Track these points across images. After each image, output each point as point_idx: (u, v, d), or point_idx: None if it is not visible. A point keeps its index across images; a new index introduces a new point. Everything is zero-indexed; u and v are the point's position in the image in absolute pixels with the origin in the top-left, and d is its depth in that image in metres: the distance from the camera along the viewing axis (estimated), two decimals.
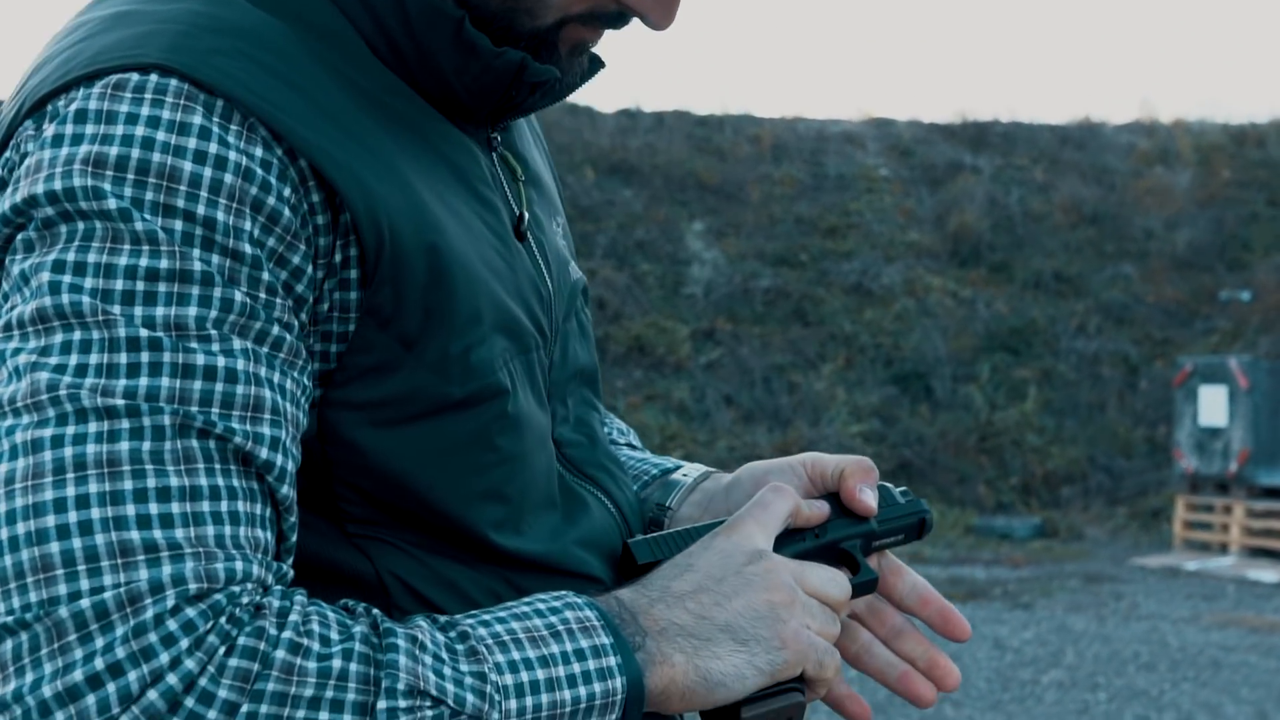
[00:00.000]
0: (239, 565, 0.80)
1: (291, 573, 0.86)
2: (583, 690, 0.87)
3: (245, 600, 0.80)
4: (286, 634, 0.79)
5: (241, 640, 0.78)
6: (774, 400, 15.84)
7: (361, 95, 0.94)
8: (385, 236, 0.89)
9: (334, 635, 0.81)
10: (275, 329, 0.85)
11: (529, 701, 0.85)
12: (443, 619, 0.87)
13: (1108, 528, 14.22)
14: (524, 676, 0.85)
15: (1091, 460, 15.49)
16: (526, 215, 1.07)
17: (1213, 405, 12.55)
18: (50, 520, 0.77)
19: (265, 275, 0.85)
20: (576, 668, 0.87)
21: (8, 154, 0.87)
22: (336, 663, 0.80)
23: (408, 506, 0.93)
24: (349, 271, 0.89)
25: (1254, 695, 7.04)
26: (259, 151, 0.85)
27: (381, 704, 0.80)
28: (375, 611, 0.86)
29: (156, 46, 0.86)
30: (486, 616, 0.88)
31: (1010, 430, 15.74)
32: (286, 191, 0.86)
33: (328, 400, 0.90)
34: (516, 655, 0.85)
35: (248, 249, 0.84)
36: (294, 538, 0.88)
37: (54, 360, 0.80)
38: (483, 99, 1.01)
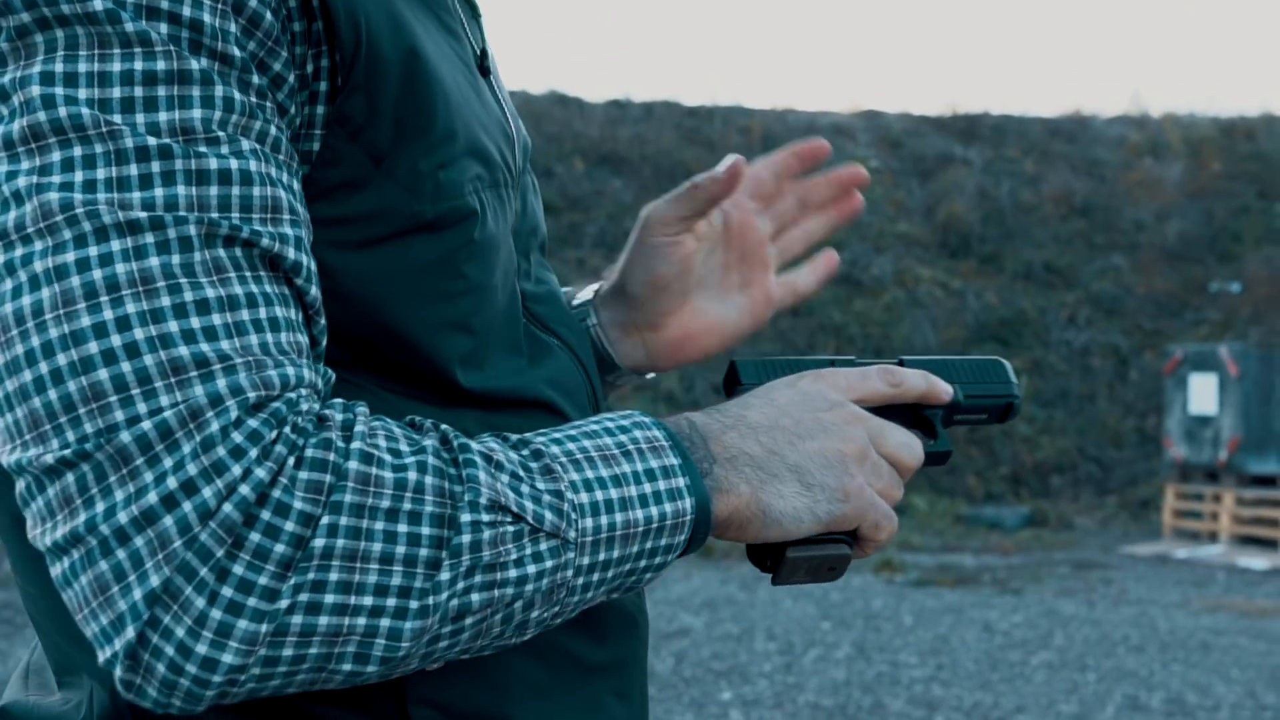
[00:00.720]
0: (290, 370, 0.78)
1: (334, 375, 0.84)
2: (654, 510, 0.86)
3: (304, 407, 0.78)
4: (355, 444, 0.78)
5: (310, 452, 0.76)
6: None
7: None
8: (362, 38, 0.84)
9: (403, 448, 0.80)
10: (273, 130, 0.81)
11: (604, 520, 0.84)
12: (513, 437, 0.86)
13: (1097, 517, 14.24)
14: (598, 495, 0.85)
15: (1081, 450, 15.54)
16: (489, 53, 1.04)
17: (1203, 393, 12.55)
18: (93, 347, 0.74)
19: (255, 79, 0.80)
20: (648, 488, 0.87)
21: None
22: (412, 475, 0.78)
23: (374, 338, 0.89)
24: (319, 84, 0.85)
25: (1244, 676, 7.01)
26: None
27: (466, 516, 0.79)
28: (443, 426, 0.84)
29: None
30: (557, 434, 0.87)
31: None
32: None
33: None
34: (590, 474, 0.85)
35: (236, 52, 0.79)
36: (324, 342, 0.85)
37: (57, 179, 0.75)
38: None
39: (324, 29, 0.84)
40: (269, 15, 0.81)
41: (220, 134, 0.78)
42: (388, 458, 0.78)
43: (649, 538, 0.86)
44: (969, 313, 17.27)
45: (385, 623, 0.77)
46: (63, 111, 0.75)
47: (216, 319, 0.76)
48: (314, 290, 0.82)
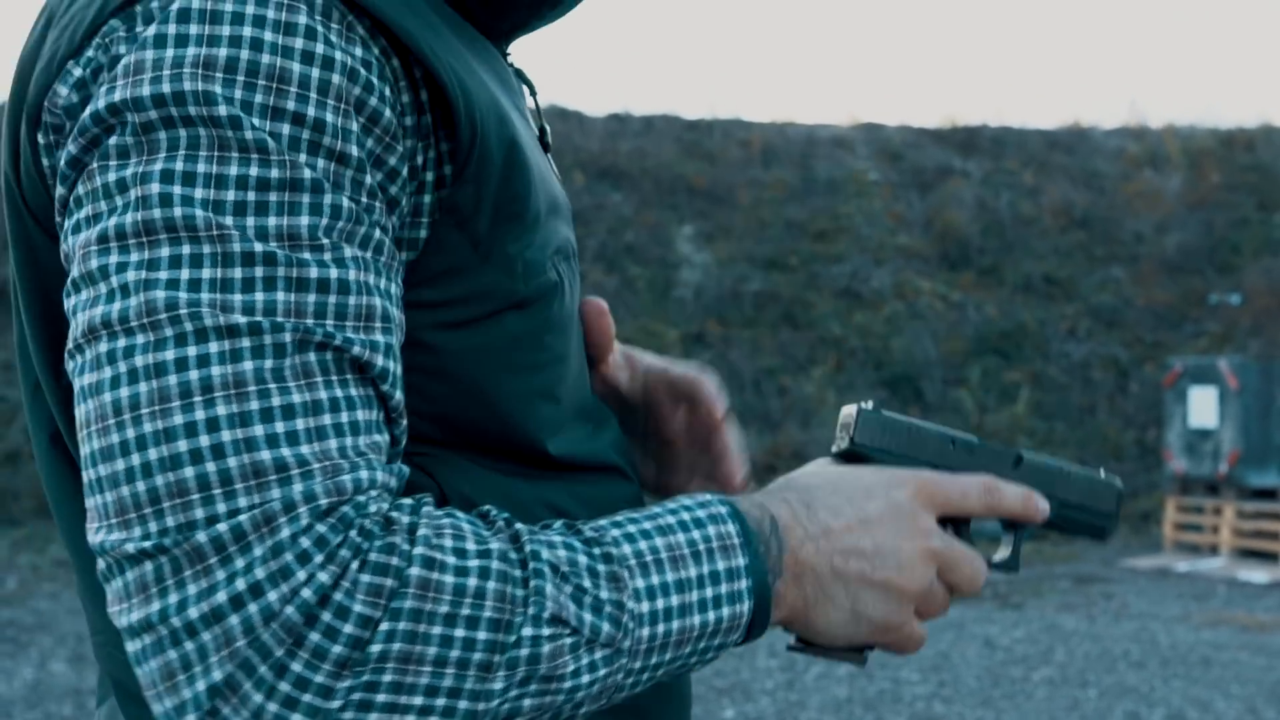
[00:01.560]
0: (364, 474, 0.81)
1: (407, 470, 0.87)
2: (711, 615, 0.89)
3: (373, 509, 0.81)
4: (419, 549, 0.81)
5: (373, 556, 0.79)
6: (764, 403, 16.04)
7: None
8: (477, 135, 0.89)
9: (469, 548, 0.83)
10: (377, 233, 0.86)
11: (660, 629, 0.88)
12: (586, 530, 0.89)
13: None
14: (659, 604, 0.88)
15: (1082, 462, 15.38)
16: (547, 129, 1.12)
17: (1203, 406, 12.62)
18: (183, 445, 0.78)
19: (367, 178, 0.85)
20: (709, 592, 0.89)
21: (90, 53, 0.84)
22: (472, 581, 0.81)
23: (470, 411, 0.94)
24: (427, 174, 0.89)
25: (1244, 691, 7.04)
26: (359, 51, 0.85)
27: (528, 630, 0.82)
28: (517, 525, 0.87)
29: None
30: (631, 529, 0.90)
31: (1000, 433, 15.80)
32: (386, 91, 0.86)
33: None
34: (655, 580, 0.88)
35: (354, 151, 0.84)
36: (404, 442, 0.89)
37: (164, 275, 0.79)
38: (497, 9, 1.04)
39: (432, 122, 0.89)
40: (388, 112, 0.86)
41: (325, 241, 0.82)
42: (451, 560, 0.81)
43: (703, 639, 0.90)
44: (969, 325, 17.41)
45: None
46: (178, 211, 0.79)
47: (300, 424, 0.80)
48: (398, 395, 0.86)
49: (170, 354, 0.78)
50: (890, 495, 0.98)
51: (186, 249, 0.79)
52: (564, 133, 19.51)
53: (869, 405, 1.02)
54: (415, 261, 0.90)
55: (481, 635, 0.80)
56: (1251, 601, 10.14)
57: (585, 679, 0.85)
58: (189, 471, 0.77)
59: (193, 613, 0.77)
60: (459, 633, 0.80)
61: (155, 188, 0.79)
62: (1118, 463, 15.55)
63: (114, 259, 0.79)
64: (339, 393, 0.82)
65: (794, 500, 0.96)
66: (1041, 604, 9.90)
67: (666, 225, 18.22)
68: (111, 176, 0.80)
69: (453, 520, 0.84)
